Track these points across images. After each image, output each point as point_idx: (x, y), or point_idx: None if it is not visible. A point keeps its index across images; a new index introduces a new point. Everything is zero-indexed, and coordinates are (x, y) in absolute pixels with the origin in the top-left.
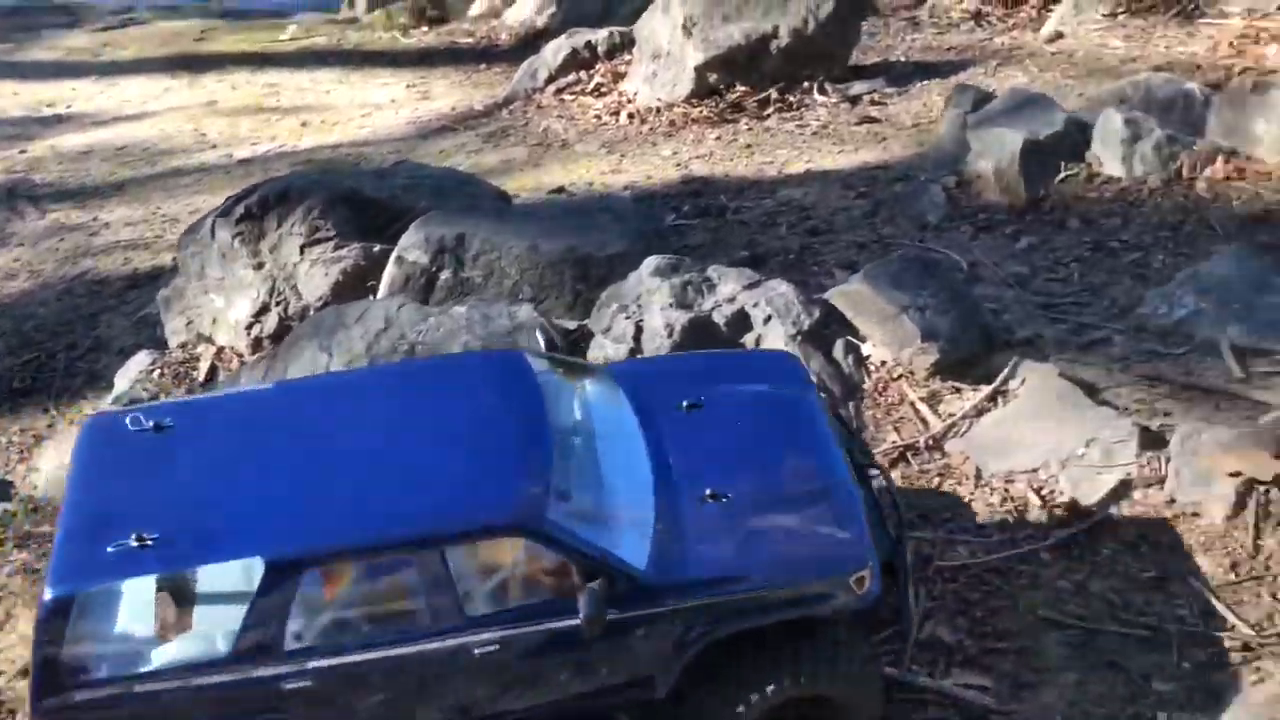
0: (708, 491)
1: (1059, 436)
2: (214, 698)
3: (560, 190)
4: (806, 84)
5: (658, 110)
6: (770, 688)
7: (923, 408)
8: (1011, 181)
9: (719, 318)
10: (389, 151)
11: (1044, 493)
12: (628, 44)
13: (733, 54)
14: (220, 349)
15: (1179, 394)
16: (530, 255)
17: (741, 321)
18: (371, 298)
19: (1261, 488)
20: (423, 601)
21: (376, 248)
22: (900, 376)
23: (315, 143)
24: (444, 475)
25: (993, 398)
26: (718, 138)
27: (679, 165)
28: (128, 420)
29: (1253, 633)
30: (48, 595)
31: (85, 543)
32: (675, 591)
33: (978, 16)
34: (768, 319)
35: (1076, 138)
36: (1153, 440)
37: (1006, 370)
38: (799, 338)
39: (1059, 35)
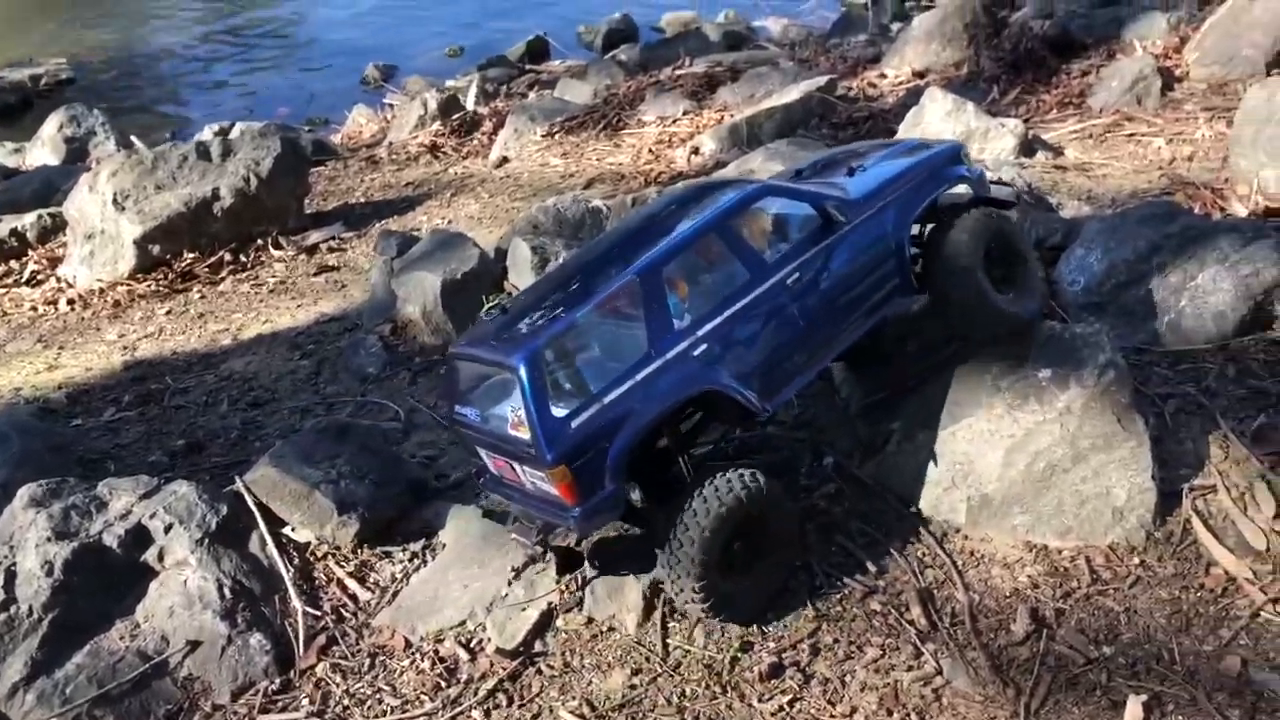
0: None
1: (483, 581)
2: (651, 389)
3: None
4: (260, 240)
5: (101, 292)
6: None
7: (351, 584)
8: (439, 322)
9: (111, 539)
10: None
11: (472, 644)
12: (61, 226)
13: (174, 223)
14: None
15: None
16: None
17: (140, 537)
18: None
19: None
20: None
21: None
22: (326, 555)
23: None
24: None
25: (422, 555)
26: (168, 312)
27: (125, 349)
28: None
29: None
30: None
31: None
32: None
33: (434, 149)
34: (169, 528)
35: (494, 268)
36: (570, 561)
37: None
38: (206, 541)
39: (505, 160)
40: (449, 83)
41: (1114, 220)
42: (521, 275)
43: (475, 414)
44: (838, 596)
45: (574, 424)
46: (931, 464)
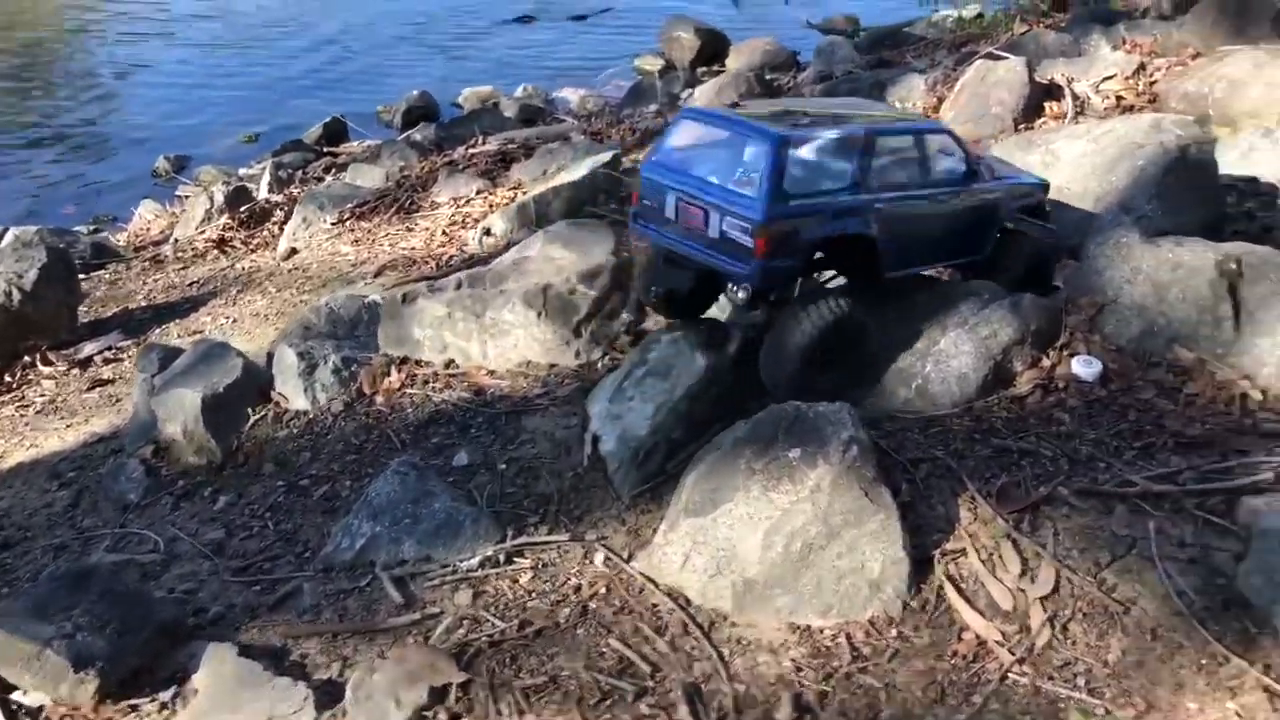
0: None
1: None
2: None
3: None
4: (28, 357)
5: None
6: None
7: None
8: (202, 441)
9: None
10: None
11: None
12: None
13: None
14: None
15: (363, 634)
16: None
17: None
18: None
19: (430, 713)
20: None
21: None
22: (63, 718)
23: None
24: None
25: (172, 704)
26: None
27: None
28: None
29: None
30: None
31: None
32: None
33: (221, 243)
34: None
35: (262, 378)
36: (332, 696)
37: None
38: None
39: (294, 251)
40: (242, 171)
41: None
42: (288, 383)
43: (681, 161)
44: (608, 703)
45: (791, 203)
46: (696, 552)
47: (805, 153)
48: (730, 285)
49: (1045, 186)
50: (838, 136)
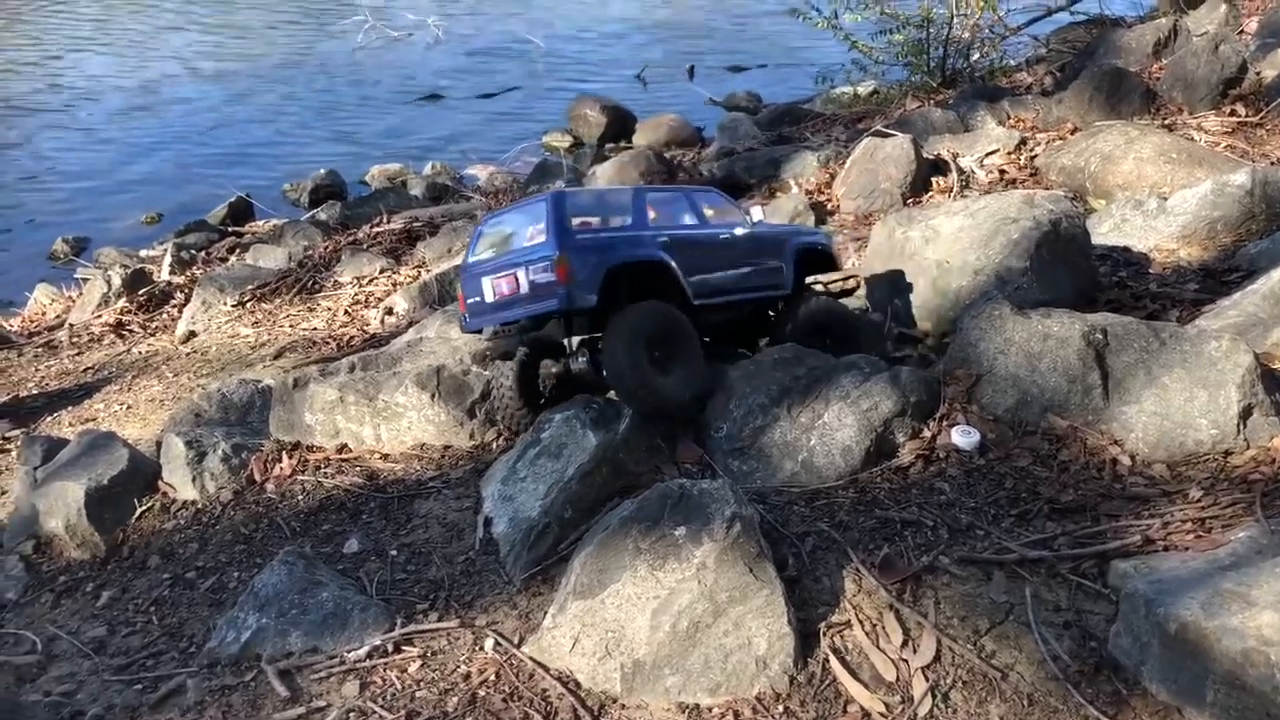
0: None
1: None
2: (626, 242)
3: None
4: None
5: None
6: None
7: None
8: (85, 534)
9: None
10: None
11: None
12: None
13: None
14: None
15: None
16: None
17: None
18: None
19: None
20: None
21: None
22: None
23: None
24: None
25: None
26: None
27: None
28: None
29: None
30: (551, 197)
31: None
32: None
33: (119, 328)
34: None
35: (150, 468)
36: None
37: None
38: None
39: (193, 334)
40: (144, 252)
41: (749, 367)
42: (176, 472)
43: (488, 255)
44: None
45: (577, 236)
46: (585, 635)
47: (583, 202)
48: (571, 357)
49: (828, 239)
50: (609, 191)
